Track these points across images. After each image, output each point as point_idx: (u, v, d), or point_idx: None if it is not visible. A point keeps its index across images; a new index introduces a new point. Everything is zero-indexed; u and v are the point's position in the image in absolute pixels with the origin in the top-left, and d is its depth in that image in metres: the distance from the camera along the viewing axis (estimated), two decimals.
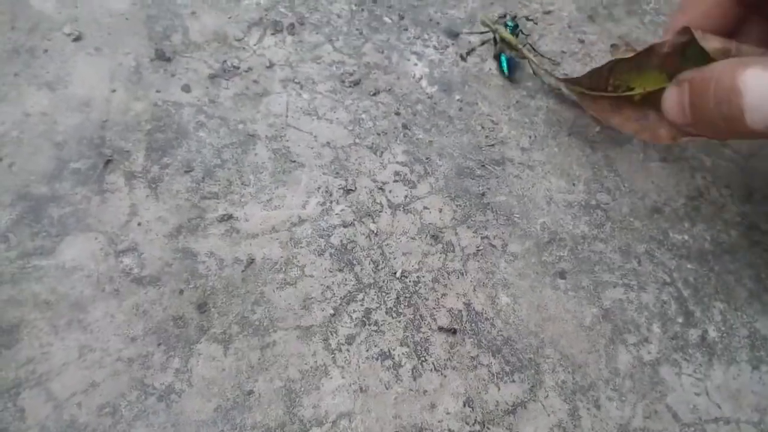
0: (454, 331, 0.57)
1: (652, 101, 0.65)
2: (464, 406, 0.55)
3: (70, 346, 0.54)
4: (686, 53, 0.59)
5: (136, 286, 0.57)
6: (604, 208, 0.69)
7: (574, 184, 0.71)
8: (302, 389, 0.54)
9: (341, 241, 0.62)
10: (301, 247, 0.62)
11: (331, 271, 0.61)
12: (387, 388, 0.55)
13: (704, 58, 0.57)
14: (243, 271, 0.59)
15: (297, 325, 0.57)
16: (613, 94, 0.68)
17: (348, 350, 0.57)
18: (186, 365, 0.54)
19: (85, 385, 0.52)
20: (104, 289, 0.57)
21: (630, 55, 0.63)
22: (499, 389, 0.57)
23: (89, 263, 0.57)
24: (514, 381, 0.57)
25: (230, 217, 0.62)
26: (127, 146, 0.64)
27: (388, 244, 0.63)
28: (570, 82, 0.73)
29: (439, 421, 0.54)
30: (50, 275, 0.57)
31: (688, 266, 0.66)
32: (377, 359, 0.57)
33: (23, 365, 0.53)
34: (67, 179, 0.62)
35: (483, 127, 0.72)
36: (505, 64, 0.78)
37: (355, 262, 0.61)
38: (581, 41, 0.81)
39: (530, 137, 0.72)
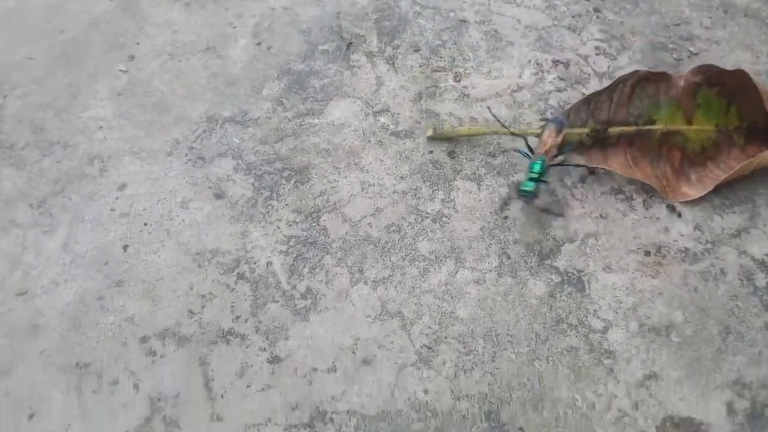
0: None
1: (669, 144, 0.68)
2: (694, 230, 0.65)
3: (353, 182, 0.66)
4: (697, 96, 0.67)
5: (395, 138, 0.69)
6: None
7: (758, 57, 0.79)
8: (550, 216, 0.65)
9: (558, 102, 0.73)
10: (524, 108, 0.72)
11: None
12: (624, 216, 0.65)
13: (717, 105, 0.66)
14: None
15: None
16: (633, 128, 0.68)
17: (583, 187, 0.67)
18: (449, 196, 0.66)
19: (372, 210, 0.64)
20: (370, 141, 0.69)
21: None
22: (722, 218, 0.66)
23: (353, 121, 0.70)
24: (734, 212, 0.66)
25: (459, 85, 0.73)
26: (362, 32, 0.77)
27: None
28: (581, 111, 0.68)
29: (674, 240, 0.64)
30: (324, 130, 0.69)
31: None
32: (611, 194, 0.66)
33: (318, 196, 0.65)
34: (319, 58, 0.74)
35: (667, 10, 0.81)
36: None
37: None
38: None
39: (710, 18, 0.80)
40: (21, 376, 0.54)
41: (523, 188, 0.61)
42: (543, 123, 0.68)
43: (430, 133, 0.67)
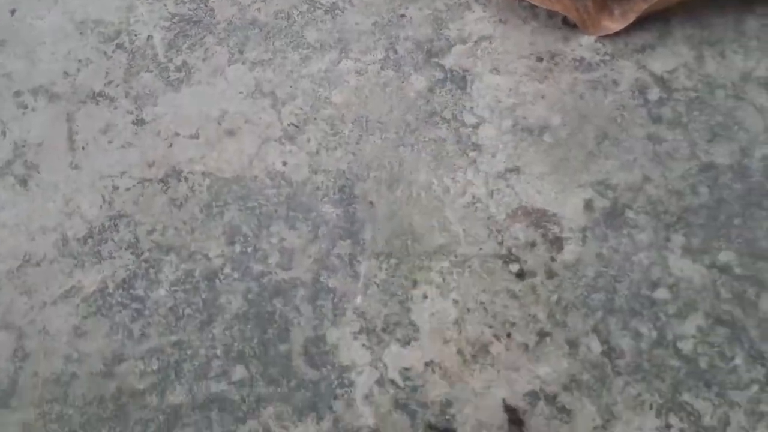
0: None
1: None
2: (595, 41, 0.62)
3: None
4: None
5: None
6: None
7: None
8: (448, 17, 0.63)
9: None
10: None
11: None
12: (525, 23, 0.62)
13: None
14: None
15: None
16: None
17: None
18: None
19: None
20: None
21: None
22: (629, 34, 0.62)
23: None
24: (644, 29, 0.63)
25: None
26: None
27: None
28: None
29: (572, 50, 0.61)
30: None
31: None
32: (516, 0, 0.63)
33: None
34: None
35: None
36: None
37: None
38: None
39: None
40: None
41: None
42: None
43: None
